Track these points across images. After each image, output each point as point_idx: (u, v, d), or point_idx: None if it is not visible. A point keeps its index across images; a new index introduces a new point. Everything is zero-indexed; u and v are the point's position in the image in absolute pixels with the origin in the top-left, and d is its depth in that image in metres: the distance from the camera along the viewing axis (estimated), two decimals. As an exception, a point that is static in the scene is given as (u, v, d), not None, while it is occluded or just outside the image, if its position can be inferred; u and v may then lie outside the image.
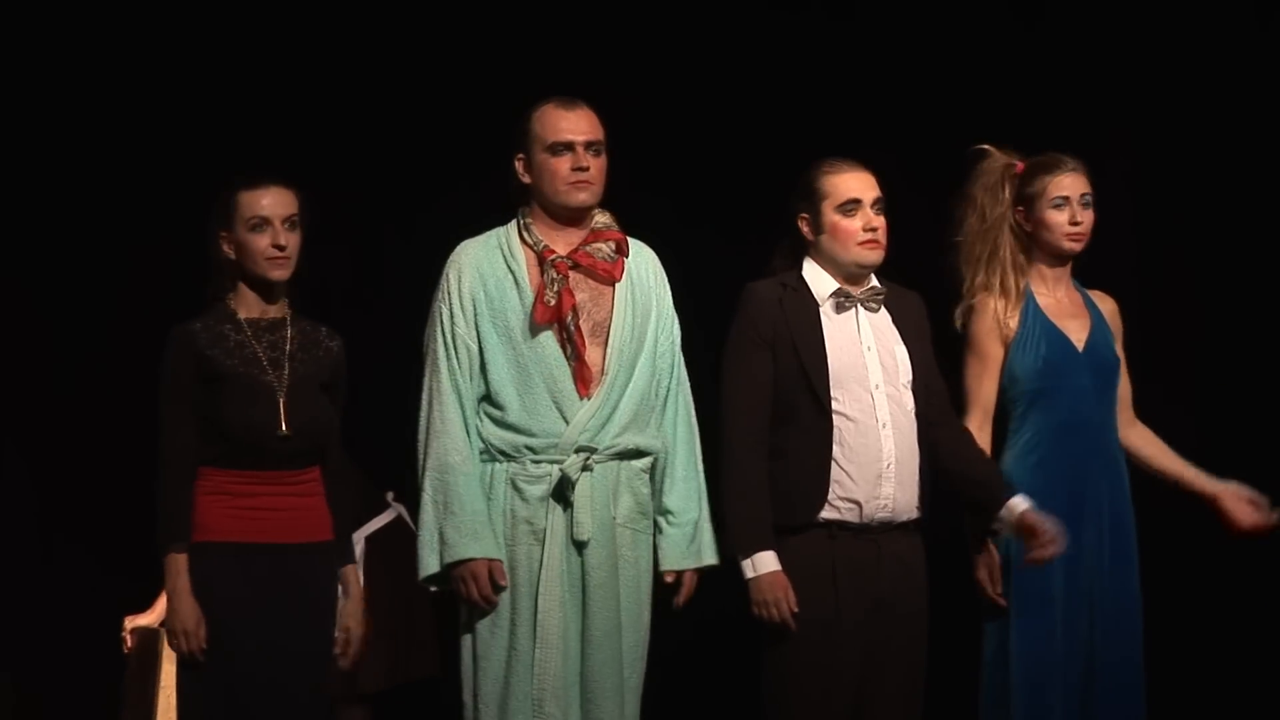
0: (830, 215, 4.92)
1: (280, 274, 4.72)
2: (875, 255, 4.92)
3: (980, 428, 5.08)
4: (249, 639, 4.59)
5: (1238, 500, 5.13)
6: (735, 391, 4.88)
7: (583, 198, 4.82)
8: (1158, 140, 6.54)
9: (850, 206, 4.91)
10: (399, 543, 4.81)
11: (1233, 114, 6.51)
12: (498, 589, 4.72)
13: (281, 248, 4.70)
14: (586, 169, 4.79)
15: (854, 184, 4.92)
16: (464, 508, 4.72)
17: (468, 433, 4.77)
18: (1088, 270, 5.24)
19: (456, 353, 4.80)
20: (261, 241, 4.70)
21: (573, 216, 4.83)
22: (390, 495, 6.36)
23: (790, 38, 6.70)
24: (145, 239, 6.53)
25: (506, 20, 6.68)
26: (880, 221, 4.93)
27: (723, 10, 6.70)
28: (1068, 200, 5.07)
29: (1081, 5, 6.60)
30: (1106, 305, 5.21)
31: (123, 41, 6.57)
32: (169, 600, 4.63)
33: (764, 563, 4.80)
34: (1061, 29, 6.63)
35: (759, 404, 4.86)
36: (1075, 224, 5.07)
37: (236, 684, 4.58)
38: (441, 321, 4.82)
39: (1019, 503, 4.90)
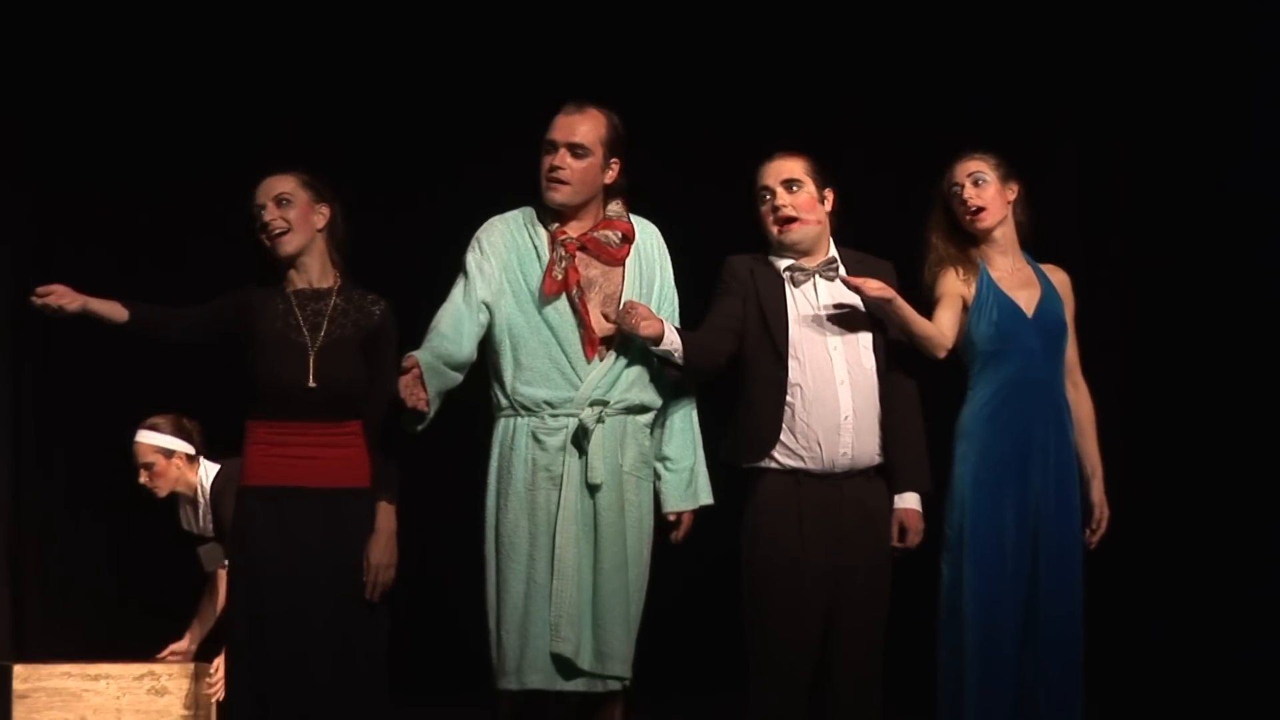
0: (758, 205, 5.42)
1: (284, 248, 5.10)
2: (789, 235, 5.34)
3: (949, 323, 5.46)
4: (286, 577, 4.90)
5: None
6: (709, 315, 5.31)
7: (553, 197, 5.21)
8: (1105, 128, 6.97)
9: (763, 194, 5.39)
10: None
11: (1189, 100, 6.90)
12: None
13: (269, 222, 5.05)
14: (560, 169, 5.17)
15: (765, 174, 5.38)
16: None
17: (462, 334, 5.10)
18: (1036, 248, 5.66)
19: (475, 283, 5.16)
20: (260, 225, 5.12)
21: (556, 210, 5.23)
22: None
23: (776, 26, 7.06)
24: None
25: (528, 15, 7.03)
26: (790, 199, 5.33)
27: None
28: (961, 186, 5.52)
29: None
30: (1058, 277, 5.63)
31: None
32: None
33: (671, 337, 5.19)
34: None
35: (727, 321, 5.28)
36: (963, 202, 5.51)
37: (272, 623, 4.89)
38: (468, 268, 5.19)
39: (905, 499, 5.34)
